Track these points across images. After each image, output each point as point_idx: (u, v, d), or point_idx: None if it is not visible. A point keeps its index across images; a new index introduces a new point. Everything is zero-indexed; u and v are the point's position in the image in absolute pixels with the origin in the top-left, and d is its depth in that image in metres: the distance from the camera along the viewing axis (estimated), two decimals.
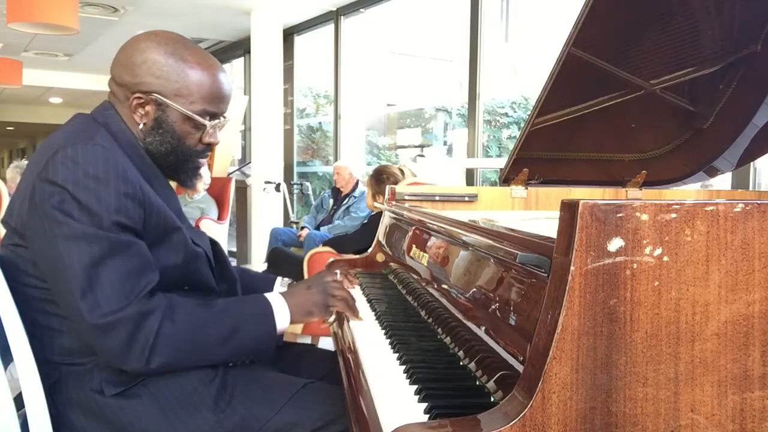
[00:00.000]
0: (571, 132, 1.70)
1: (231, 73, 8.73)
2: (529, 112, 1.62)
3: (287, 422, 1.14)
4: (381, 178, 3.35)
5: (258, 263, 5.66)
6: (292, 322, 1.26)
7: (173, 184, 1.32)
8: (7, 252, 1.17)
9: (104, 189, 1.08)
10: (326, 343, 3.01)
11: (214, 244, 1.40)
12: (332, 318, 1.36)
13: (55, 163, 1.08)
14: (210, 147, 1.29)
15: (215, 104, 1.24)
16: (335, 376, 1.27)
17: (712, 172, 1.94)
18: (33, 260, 1.13)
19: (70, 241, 1.06)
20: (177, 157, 1.24)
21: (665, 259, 0.73)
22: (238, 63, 8.13)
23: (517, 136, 1.64)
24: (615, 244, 0.72)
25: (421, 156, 7.63)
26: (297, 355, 1.47)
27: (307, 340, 3.26)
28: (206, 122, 1.23)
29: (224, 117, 1.28)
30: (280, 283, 1.52)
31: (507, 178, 1.78)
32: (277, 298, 1.26)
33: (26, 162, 4.11)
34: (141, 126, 1.21)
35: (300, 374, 1.30)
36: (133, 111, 1.21)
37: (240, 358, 1.20)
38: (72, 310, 1.06)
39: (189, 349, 1.12)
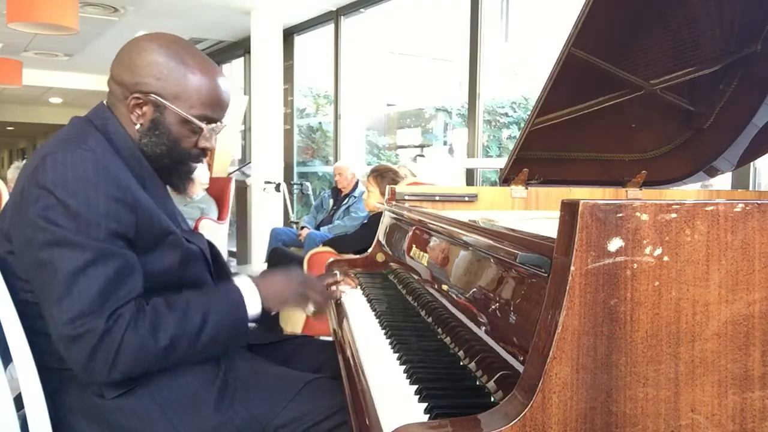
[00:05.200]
0: (571, 132, 1.70)
1: (231, 73, 8.72)
2: (529, 112, 1.62)
3: (290, 418, 1.15)
4: (385, 174, 3.36)
5: (258, 263, 5.66)
6: (265, 308, 1.23)
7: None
8: (3, 258, 1.16)
9: (93, 192, 1.06)
10: None
11: (210, 246, 1.40)
12: (311, 308, 1.33)
13: (44, 167, 1.07)
14: (205, 152, 1.28)
15: (214, 110, 1.23)
16: (334, 367, 1.28)
17: (712, 172, 1.94)
18: (21, 266, 1.12)
19: (54, 248, 1.04)
20: (171, 159, 1.23)
21: (665, 259, 0.73)
22: (238, 63, 8.12)
23: (517, 136, 1.64)
24: (615, 244, 0.72)
25: (421, 156, 7.62)
26: (295, 347, 1.47)
27: None
28: (203, 125, 1.22)
29: (221, 123, 1.26)
30: None
31: (507, 178, 1.78)
32: (247, 283, 1.23)
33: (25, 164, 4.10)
34: (137, 126, 1.21)
35: (299, 366, 1.32)
36: (130, 111, 1.20)
37: (214, 350, 1.17)
38: (48, 317, 1.06)
39: (153, 354, 1.08)
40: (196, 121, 1.21)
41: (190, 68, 1.20)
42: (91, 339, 1.03)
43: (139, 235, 1.13)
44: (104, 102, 1.25)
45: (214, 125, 1.25)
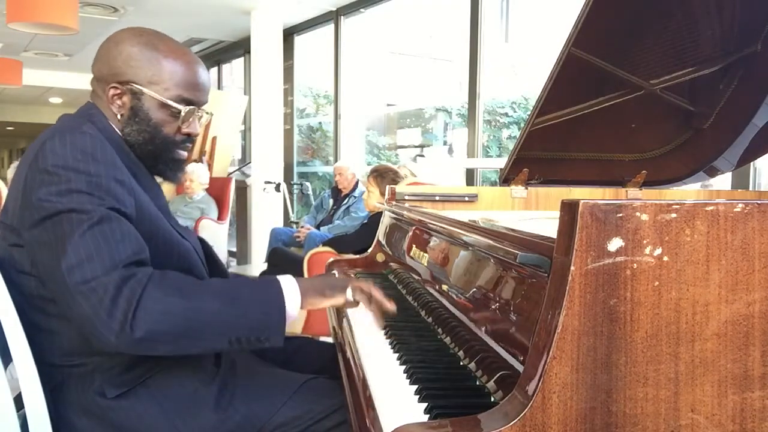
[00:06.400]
0: (571, 132, 1.70)
1: (231, 73, 8.72)
2: (529, 112, 1.62)
3: (289, 416, 1.16)
4: (385, 174, 3.37)
5: (258, 263, 5.65)
6: (304, 303, 1.14)
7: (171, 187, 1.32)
8: (6, 253, 1.16)
9: (95, 173, 1.07)
10: None
11: (203, 243, 1.39)
12: (350, 293, 1.21)
13: (44, 153, 1.08)
14: (190, 138, 1.28)
15: (190, 91, 1.23)
16: (335, 369, 1.28)
17: (712, 172, 1.94)
18: (30, 257, 1.11)
19: (57, 219, 1.04)
20: (155, 146, 1.23)
21: (665, 259, 0.73)
22: (238, 63, 8.12)
23: (517, 136, 1.64)
24: (615, 244, 0.72)
25: (421, 156, 7.62)
26: (296, 348, 1.47)
27: None
28: (181, 107, 1.22)
29: (203, 110, 1.27)
30: None
31: (507, 178, 1.78)
32: (286, 277, 1.15)
33: None
34: (119, 117, 1.22)
35: (299, 367, 1.31)
36: (110, 102, 1.22)
37: (244, 334, 1.06)
38: (57, 281, 1.03)
39: (179, 316, 1.02)
40: (173, 104, 1.22)
41: (163, 53, 1.22)
42: (108, 291, 0.99)
43: (137, 220, 1.12)
44: (90, 101, 1.26)
45: (193, 107, 1.24)
